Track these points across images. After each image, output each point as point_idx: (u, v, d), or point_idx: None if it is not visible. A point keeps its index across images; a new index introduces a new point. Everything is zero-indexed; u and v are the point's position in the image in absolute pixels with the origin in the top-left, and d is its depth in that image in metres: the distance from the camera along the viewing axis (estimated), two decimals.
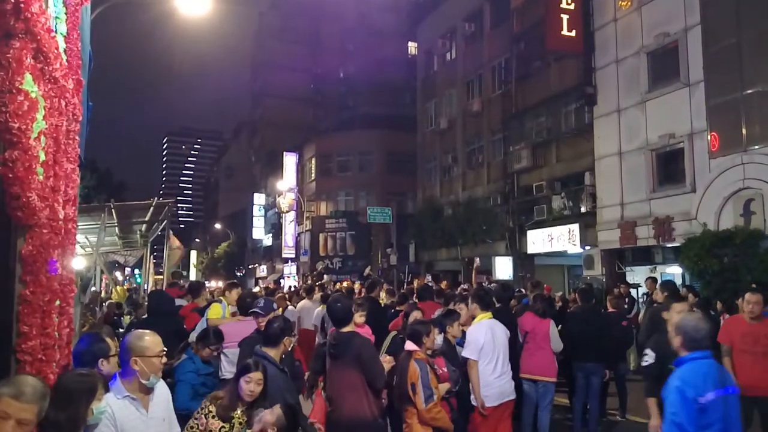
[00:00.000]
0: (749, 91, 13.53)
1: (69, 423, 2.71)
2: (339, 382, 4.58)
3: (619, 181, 17.34)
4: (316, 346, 6.71)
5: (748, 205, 13.33)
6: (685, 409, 3.37)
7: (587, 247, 18.78)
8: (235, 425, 3.65)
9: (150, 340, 3.24)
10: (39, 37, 2.68)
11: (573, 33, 18.63)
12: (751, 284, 10.81)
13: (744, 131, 13.59)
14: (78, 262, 10.52)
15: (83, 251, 13.38)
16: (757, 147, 13.29)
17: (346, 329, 4.75)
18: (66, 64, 3.27)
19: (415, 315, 5.98)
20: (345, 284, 17.30)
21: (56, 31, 3.13)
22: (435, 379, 4.74)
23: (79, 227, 7.61)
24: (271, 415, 3.65)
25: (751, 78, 13.48)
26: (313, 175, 42.10)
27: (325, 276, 21.67)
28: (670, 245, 15.73)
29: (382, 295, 10.36)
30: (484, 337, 5.74)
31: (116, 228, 12.64)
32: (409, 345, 4.88)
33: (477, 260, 21.37)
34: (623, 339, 8.99)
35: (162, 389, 3.38)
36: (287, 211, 42.91)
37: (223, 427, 3.62)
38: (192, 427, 3.64)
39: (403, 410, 4.76)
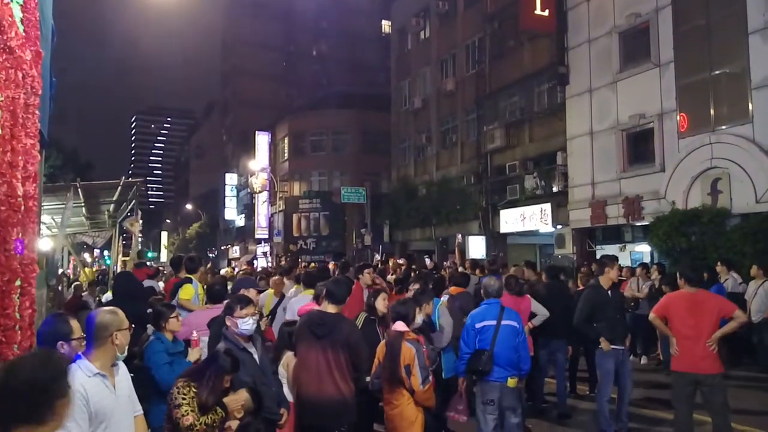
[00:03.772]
0: (717, 72, 13.71)
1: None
2: (320, 363, 4.49)
3: (590, 160, 17.50)
4: (280, 326, 6.66)
5: (716, 184, 13.58)
6: (466, 332, 5.50)
7: (559, 226, 18.99)
8: (217, 412, 3.60)
9: (122, 314, 3.24)
10: None
11: (546, 12, 18.63)
12: (717, 261, 11.11)
13: (712, 112, 13.78)
14: (44, 243, 10.28)
15: (50, 232, 13.08)
16: (724, 127, 13.50)
17: (332, 310, 4.71)
18: (23, 34, 3.13)
19: (384, 295, 5.90)
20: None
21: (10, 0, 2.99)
22: (428, 359, 4.69)
23: (45, 207, 7.39)
24: (237, 396, 3.67)
25: (720, 59, 13.65)
26: (286, 154, 41.69)
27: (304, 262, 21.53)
28: (639, 224, 15.99)
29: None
30: None
31: (83, 208, 12.36)
32: (400, 325, 4.75)
33: (459, 236, 21.46)
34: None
35: (123, 367, 3.31)
36: (260, 192, 42.50)
37: (206, 413, 3.56)
38: (184, 407, 3.51)
39: (390, 392, 4.64)
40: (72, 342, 3.20)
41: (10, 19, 2.82)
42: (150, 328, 4.74)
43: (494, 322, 5.39)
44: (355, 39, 43.65)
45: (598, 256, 16.74)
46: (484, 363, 5.25)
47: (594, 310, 6.60)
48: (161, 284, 10.50)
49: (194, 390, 3.52)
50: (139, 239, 15.78)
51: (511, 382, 5.32)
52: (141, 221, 14.58)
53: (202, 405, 3.49)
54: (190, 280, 7.10)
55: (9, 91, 2.87)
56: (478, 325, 5.44)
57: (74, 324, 3.40)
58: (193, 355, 4.79)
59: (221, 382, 3.61)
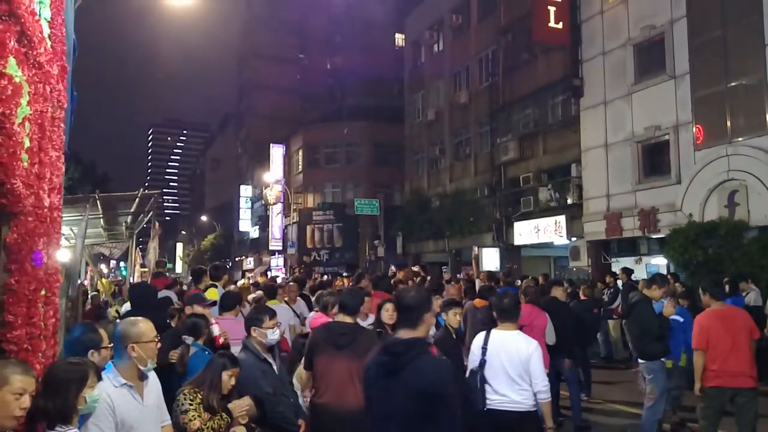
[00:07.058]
0: (733, 84, 13.63)
1: (58, 412, 2.69)
2: (342, 372, 4.46)
3: (605, 172, 17.43)
4: (294, 337, 6.65)
5: (733, 196, 13.47)
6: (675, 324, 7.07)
7: (573, 239, 18.89)
8: (223, 417, 3.69)
9: (144, 326, 3.26)
10: (23, 20, 2.62)
11: (560, 25, 18.65)
12: (735, 274, 10.99)
13: (728, 123, 13.69)
14: (63, 255, 10.39)
15: (68, 243, 13.22)
16: (741, 139, 13.40)
17: (349, 320, 4.72)
18: (50, 49, 3.21)
19: (388, 307, 5.72)
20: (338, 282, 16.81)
21: (40, 15, 3.07)
22: None
23: (64, 219, 7.47)
24: (241, 401, 3.80)
25: (736, 70, 13.58)
26: (300, 166, 41.89)
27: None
28: (655, 236, 15.86)
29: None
30: None
31: (101, 219, 12.51)
32: None
33: (475, 249, 21.47)
34: (592, 325, 10.35)
35: (153, 377, 3.36)
36: (274, 203, 42.72)
37: (212, 417, 3.64)
38: (191, 413, 3.60)
39: None
40: (102, 350, 3.27)
41: (40, 35, 2.90)
42: (189, 338, 4.74)
43: (680, 320, 7.26)
44: (369, 52, 43.80)
45: (613, 269, 16.66)
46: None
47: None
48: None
49: (200, 396, 3.65)
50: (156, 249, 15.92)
51: (668, 363, 6.92)
52: (160, 230, 14.74)
53: (208, 407, 3.64)
54: (215, 287, 7.27)
55: (37, 105, 2.94)
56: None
57: (102, 333, 3.48)
58: None
59: (220, 379, 3.73)
